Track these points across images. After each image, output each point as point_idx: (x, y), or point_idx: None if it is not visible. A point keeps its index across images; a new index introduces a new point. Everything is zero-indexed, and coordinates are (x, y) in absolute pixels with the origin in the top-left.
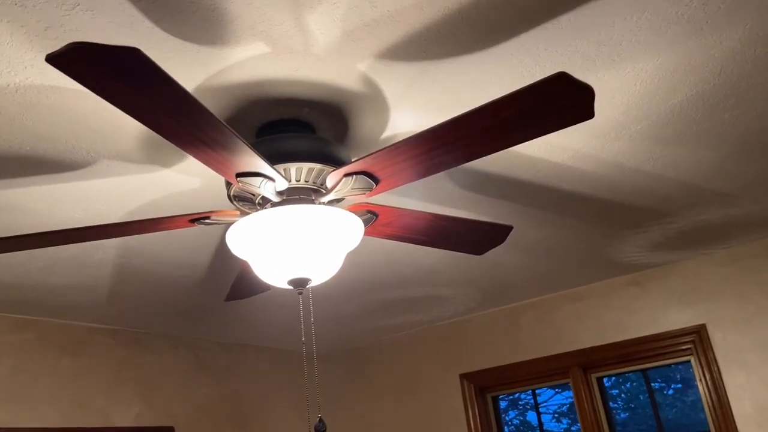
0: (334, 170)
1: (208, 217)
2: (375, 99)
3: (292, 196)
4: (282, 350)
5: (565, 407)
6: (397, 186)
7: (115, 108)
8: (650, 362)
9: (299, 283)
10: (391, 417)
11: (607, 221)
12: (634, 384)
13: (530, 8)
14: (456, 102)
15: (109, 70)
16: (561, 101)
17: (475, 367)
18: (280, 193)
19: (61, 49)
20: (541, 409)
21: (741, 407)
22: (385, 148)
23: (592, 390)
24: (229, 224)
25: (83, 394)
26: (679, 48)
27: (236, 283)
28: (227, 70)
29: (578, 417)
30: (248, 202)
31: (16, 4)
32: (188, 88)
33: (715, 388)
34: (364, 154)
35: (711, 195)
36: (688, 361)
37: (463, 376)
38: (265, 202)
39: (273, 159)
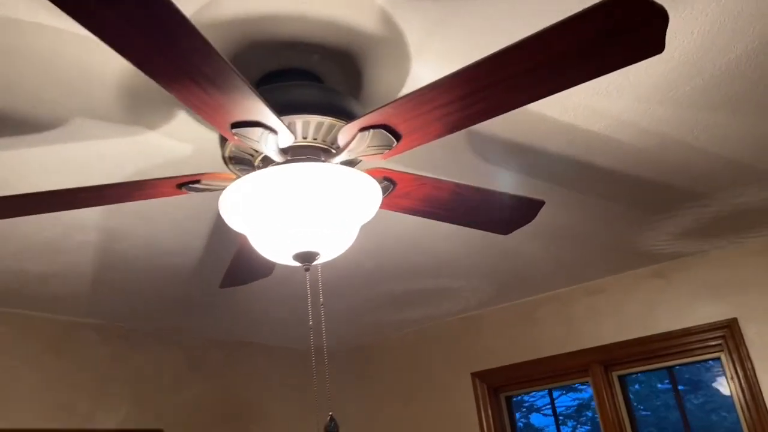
0: (346, 124)
1: (198, 181)
2: (395, 45)
3: (297, 156)
4: (281, 347)
5: (572, 409)
6: (422, 143)
7: (85, 49)
8: (676, 359)
9: (306, 258)
10: (399, 419)
11: (639, 204)
12: (643, 384)
13: None
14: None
15: None
16: (625, 28)
17: (488, 365)
18: (283, 152)
19: None
20: (545, 411)
21: None
22: (408, 95)
23: (614, 389)
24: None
25: (65, 394)
26: None
27: (232, 265)
28: (220, 1)
29: (599, 418)
30: (246, 165)
31: None
32: None
33: (749, 387)
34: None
35: (754, 174)
36: (718, 358)
37: (476, 375)
38: (266, 164)
39: (275, 111)
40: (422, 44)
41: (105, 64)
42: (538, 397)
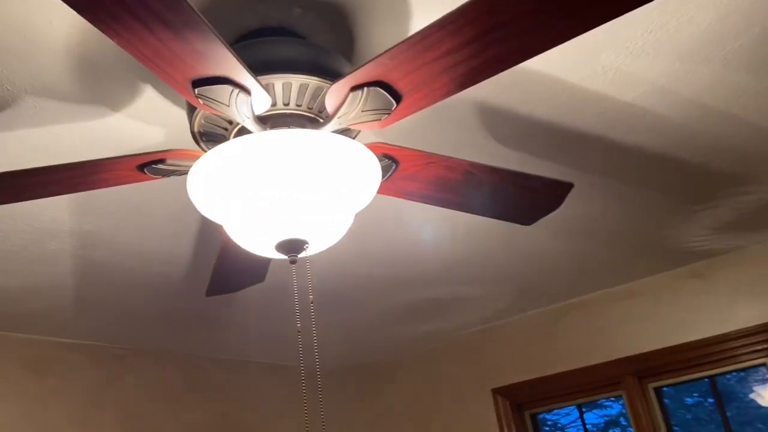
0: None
1: (162, 160)
2: None
3: (278, 127)
4: (286, 366)
5: (599, 427)
6: (427, 105)
7: (24, 9)
8: (717, 367)
9: (292, 247)
10: None
11: (674, 191)
12: (673, 399)
13: None
14: None
15: None
16: None
17: (510, 380)
18: (261, 121)
19: None
20: (569, 431)
21: None
22: (406, 40)
23: (650, 402)
24: None
25: (52, 422)
26: None
27: (217, 268)
28: None
29: None
30: (220, 141)
31: None
32: None
33: None
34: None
35: None
36: (763, 365)
37: (497, 392)
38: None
39: (250, 72)
40: None
41: (50, 26)
42: (562, 415)
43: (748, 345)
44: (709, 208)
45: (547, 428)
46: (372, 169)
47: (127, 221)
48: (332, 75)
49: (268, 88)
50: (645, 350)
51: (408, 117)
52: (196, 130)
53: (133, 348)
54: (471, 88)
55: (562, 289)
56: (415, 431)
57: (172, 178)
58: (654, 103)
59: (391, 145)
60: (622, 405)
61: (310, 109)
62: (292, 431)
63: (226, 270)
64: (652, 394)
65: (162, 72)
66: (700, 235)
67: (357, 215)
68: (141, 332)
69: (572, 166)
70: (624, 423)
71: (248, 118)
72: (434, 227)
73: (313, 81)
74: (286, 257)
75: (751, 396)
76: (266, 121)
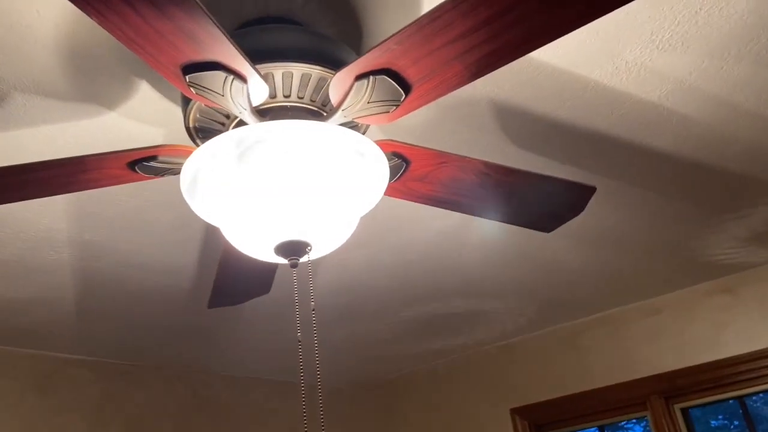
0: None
1: (154, 157)
2: None
3: (278, 119)
4: (294, 384)
5: None
6: (440, 96)
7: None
8: (747, 387)
9: (293, 250)
10: None
11: (702, 200)
12: (698, 421)
13: None
14: None
15: None
16: None
17: (530, 399)
18: (259, 114)
19: None
20: None
21: None
22: (415, 22)
23: (677, 423)
24: None
25: None
26: None
27: (219, 277)
28: None
29: None
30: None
31: None
32: None
33: None
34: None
35: None
36: None
37: (515, 412)
38: None
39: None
40: None
41: (37, 16)
42: None
43: None
44: (741, 218)
45: None
46: (381, 167)
47: (127, 228)
48: (337, 65)
49: (267, 79)
50: (671, 369)
51: (417, 116)
52: (191, 125)
53: (140, 364)
54: (485, 85)
55: (583, 303)
56: None
57: (174, 181)
58: (681, 102)
59: (401, 142)
60: (644, 427)
61: (313, 101)
62: None
63: (228, 280)
64: (679, 415)
65: (149, 57)
66: (730, 247)
67: (368, 225)
68: (146, 347)
69: (593, 170)
70: None
71: (245, 109)
72: (446, 236)
73: (315, 71)
74: (286, 261)
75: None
76: (265, 114)
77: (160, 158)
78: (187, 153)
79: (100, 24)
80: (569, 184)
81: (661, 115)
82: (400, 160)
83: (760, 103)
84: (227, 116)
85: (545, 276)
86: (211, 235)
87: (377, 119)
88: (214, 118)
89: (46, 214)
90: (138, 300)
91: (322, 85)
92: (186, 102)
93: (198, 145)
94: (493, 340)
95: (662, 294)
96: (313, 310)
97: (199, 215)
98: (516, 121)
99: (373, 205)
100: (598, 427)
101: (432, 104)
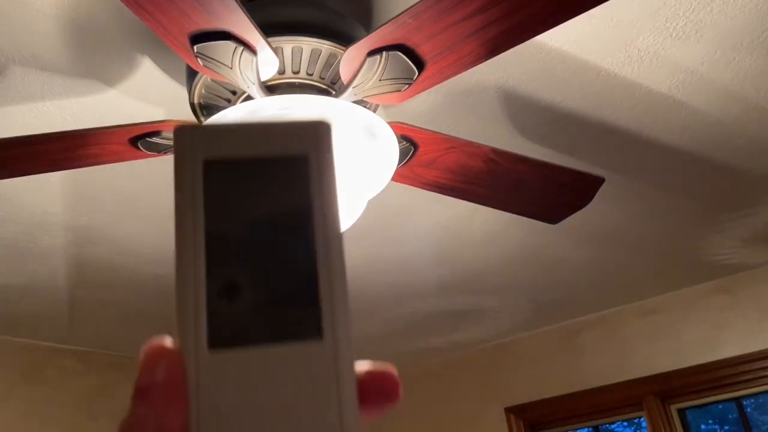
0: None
1: (157, 132)
2: None
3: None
4: None
5: None
6: (454, 74)
7: None
8: (744, 388)
9: None
10: None
11: (708, 197)
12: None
13: None
14: None
15: None
16: None
17: (525, 399)
18: (268, 90)
19: None
20: None
21: None
22: None
23: (673, 424)
24: None
25: None
26: None
27: None
28: None
29: None
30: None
31: None
32: None
33: None
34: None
35: None
36: None
37: (510, 411)
38: None
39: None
40: None
41: None
42: None
43: None
44: (745, 216)
45: None
46: (392, 149)
47: (124, 214)
48: (347, 41)
49: (276, 53)
50: (668, 369)
51: (424, 103)
52: (196, 101)
53: (131, 354)
54: (493, 71)
55: (581, 302)
56: None
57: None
58: (692, 94)
59: (410, 125)
60: (637, 427)
61: (323, 79)
62: None
63: None
64: (675, 416)
65: (158, 25)
66: (730, 247)
67: (366, 216)
68: (139, 337)
69: (598, 163)
70: None
71: (253, 84)
72: (445, 231)
73: (326, 46)
74: None
75: None
76: (273, 90)
77: (164, 134)
78: None
79: None
80: (578, 174)
81: (671, 107)
82: (408, 143)
83: (765, 97)
84: (233, 92)
85: (543, 274)
86: None
87: (387, 98)
88: (220, 94)
89: (42, 197)
90: (132, 289)
91: (332, 62)
92: (191, 77)
93: (202, 122)
94: (489, 338)
95: (659, 294)
96: None
97: None
98: (523, 111)
99: (381, 188)
100: (593, 427)
101: (438, 90)
